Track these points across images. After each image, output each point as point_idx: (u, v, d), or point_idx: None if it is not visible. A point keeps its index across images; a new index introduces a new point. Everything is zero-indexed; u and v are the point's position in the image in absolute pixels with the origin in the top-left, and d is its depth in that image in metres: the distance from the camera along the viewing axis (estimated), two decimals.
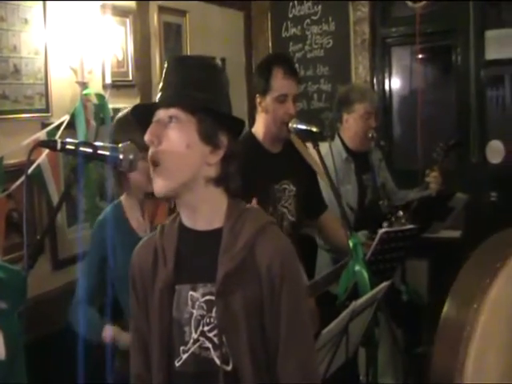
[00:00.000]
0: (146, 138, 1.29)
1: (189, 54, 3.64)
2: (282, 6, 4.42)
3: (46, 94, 2.63)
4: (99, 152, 1.54)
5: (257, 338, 1.31)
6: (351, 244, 2.15)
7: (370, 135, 3.03)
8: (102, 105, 2.82)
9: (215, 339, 1.31)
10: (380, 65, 4.28)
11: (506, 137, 3.80)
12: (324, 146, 2.49)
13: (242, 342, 1.30)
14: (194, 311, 1.33)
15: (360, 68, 4.22)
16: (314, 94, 4.37)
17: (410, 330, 3.25)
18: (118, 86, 3.06)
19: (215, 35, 4.01)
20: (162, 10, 3.47)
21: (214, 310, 1.31)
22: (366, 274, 2.10)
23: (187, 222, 1.37)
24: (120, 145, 1.59)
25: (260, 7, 4.50)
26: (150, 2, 3.38)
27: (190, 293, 1.34)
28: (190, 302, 1.33)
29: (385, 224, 2.55)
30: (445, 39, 4.19)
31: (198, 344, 1.33)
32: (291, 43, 4.41)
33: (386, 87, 4.34)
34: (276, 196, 2.45)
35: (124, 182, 2.03)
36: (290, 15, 4.40)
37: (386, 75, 4.32)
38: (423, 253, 3.39)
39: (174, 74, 1.34)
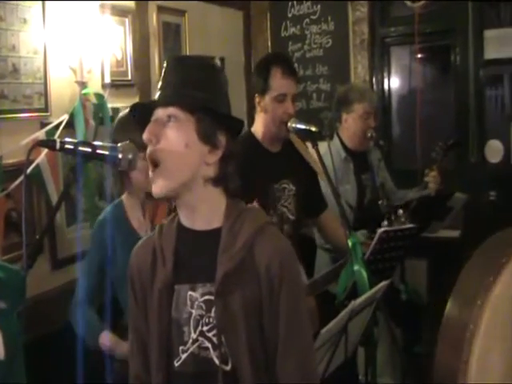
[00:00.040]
0: (145, 136, 1.29)
1: (188, 53, 3.65)
2: (282, 5, 4.43)
3: (45, 94, 2.63)
4: (98, 151, 1.54)
5: (256, 338, 1.31)
6: (350, 243, 2.16)
7: (369, 135, 3.03)
8: (101, 104, 2.82)
9: (214, 339, 1.31)
10: (379, 64, 4.28)
11: (505, 136, 3.81)
12: (323, 146, 2.49)
13: (241, 341, 1.29)
14: (193, 311, 1.33)
15: (359, 68, 4.22)
16: (313, 93, 4.37)
17: (409, 330, 3.25)
18: (117, 85, 3.06)
19: (214, 35, 4.01)
20: (161, 9, 3.48)
21: (213, 309, 1.31)
22: (365, 274, 2.10)
23: (186, 221, 1.37)
24: (119, 144, 1.59)
25: (259, 7, 4.51)
26: (149, 1, 3.38)
27: (189, 293, 1.33)
28: (189, 302, 1.33)
29: (384, 223, 2.55)
30: (444, 39, 4.19)
31: (197, 344, 1.33)
32: (290, 43, 4.42)
33: (385, 87, 4.34)
34: (276, 195, 2.45)
35: (125, 182, 2.03)
36: (289, 15, 4.41)
37: (385, 75, 4.33)
38: (422, 252, 3.39)
39: (173, 73, 1.34)
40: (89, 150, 1.53)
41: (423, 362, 3.18)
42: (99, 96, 2.84)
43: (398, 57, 4.36)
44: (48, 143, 1.59)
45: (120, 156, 1.54)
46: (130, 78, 3.22)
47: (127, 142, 1.61)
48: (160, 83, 1.36)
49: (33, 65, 2.56)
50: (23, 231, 1.50)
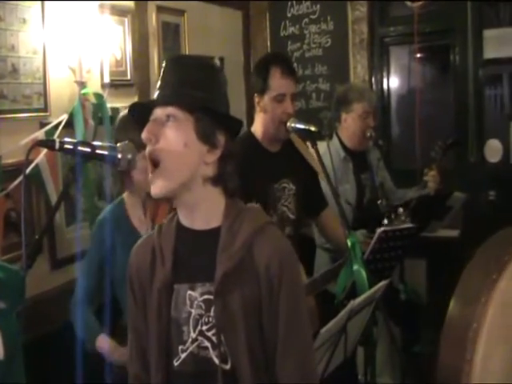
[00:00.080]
0: (143, 135, 1.29)
1: (187, 53, 3.65)
2: (281, 5, 4.43)
3: (45, 94, 2.63)
4: (97, 151, 1.54)
5: (255, 338, 1.31)
6: (349, 243, 2.16)
7: (369, 134, 3.03)
8: (100, 104, 2.82)
9: (214, 338, 1.31)
10: (378, 64, 4.28)
11: (504, 136, 3.81)
12: (322, 146, 2.49)
13: (240, 341, 1.30)
14: (193, 310, 1.33)
15: (358, 67, 4.23)
16: (312, 93, 4.38)
17: (409, 329, 3.26)
18: (117, 85, 3.06)
19: (214, 34, 4.01)
20: (160, 9, 3.48)
21: (213, 309, 1.31)
22: (364, 273, 2.10)
23: (185, 221, 1.37)
24: (118, 144, 1.59)
25: (258, 6, 4.51)
26: (149, 1, 3.38)
27: (189, 292, 1.33)
28: (188, 302, 1.33)
29: (385, 221, 2.54)
30: (443, 38, 4.20)
31: (196, 343, 1.33)
32: (289, 42, 4.42)
33: (385, 86, 4.34)
34: (276, 195, 2.45)
35: (126, 181, 2.03)
36: (289, 14, 4.41)
37: (385, 74, 4.33)
38: (421, 252, 3.39)
39: (172, 73, 1.34)
40: (88, 149, 1.53)
41: (422, 361, 3.19)
42: (98, 96, 2.84)
43: (398, 56, 4.37)
44: (47, 143, 1.59)
45: (119, 156, 1.55)
46: (129, 77, 3.22)
47: (126, 141, 1.61)
48: (159, 83, 1.36)
49: (32, 65, 2.56)
50: (22, 231, 1.50)
